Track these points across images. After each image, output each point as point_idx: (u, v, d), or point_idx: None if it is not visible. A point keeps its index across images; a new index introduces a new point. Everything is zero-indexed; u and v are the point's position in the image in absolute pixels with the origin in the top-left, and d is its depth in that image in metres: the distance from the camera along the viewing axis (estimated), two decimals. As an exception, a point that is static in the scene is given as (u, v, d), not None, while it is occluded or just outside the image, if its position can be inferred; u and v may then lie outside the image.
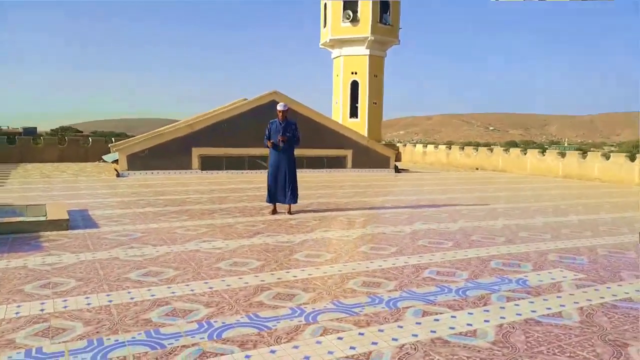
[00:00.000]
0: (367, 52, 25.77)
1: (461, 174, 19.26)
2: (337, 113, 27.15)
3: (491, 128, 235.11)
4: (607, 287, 4.54)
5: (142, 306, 3.72)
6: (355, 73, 26.32)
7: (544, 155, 19.38)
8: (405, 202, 10.47)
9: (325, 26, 26.90)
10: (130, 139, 17.57)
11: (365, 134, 25.83)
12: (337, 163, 17.92)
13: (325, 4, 26.79)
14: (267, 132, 8.37)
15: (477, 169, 22.09)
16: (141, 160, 14.67)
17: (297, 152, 16.73)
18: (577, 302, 4.09)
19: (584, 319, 3.70)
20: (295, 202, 8.37)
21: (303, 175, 16.11)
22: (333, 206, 9.42)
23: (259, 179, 13.53)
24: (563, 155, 18.56)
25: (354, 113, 26.65)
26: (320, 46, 27.78)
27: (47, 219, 6.49)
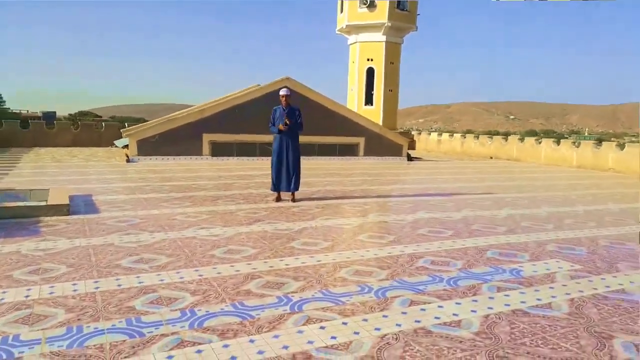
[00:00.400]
0: (384, 38, 25.46)
1: (474, 163, 19.01)
2: (353, 100, 26.96)
3: (512, 117, 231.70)
4: (602, 279, 4.45)
5: (128, 293, 3.73)
6: (371, 60, 26.04)
7: (558, 145, 19.00)
8: (413, 190, 10.36)
9: (342, 12, 26.61)
10: (142, 124, 17.68)
11: (381, 121, 25.63)
12: (349, 150, 17.81)
13: (343, -11, 26.43)
14: (271, 119, 8.31)
15: (491, 158, 21.79)
16: (151, 146, 14.75)
17: (309, 139, 16.90)
18: (568, 294, 4.01)
19: (573, 311, 3.62)
20: (297, 189, 8.33)
21: (314, 163, 16.15)
22: (339, 194, 9.36)
23: (269, 166, 13.46)
24: (577, 145, 18.18)
25: (369, 100, 26.44)
26: (337, 32, 27.52)
27: (48, 203, 6.56)
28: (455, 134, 25.45)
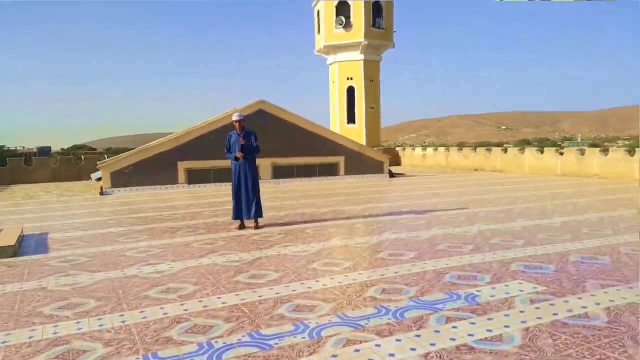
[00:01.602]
0: (362, 57, 25.52)
1: (457, 176, 18.77)
2: (335, 119, 26.88)
3: (503, 127, 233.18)
4: (565, 301, 4.11)
5: (35, 347, 3.39)
6: (351, 79, 26.04)
7: (542, 153, 18.80)
8: (385, 209, 10.06)
9: (319, 33, 26.70)
10: (117, 155, 17.39)
11: (364, 138, 25.51)
12: (329, 170, 17.55)
13: (318, 11, 26.60)
14: (227, 144, 8.05)
15: (475, 170, 21.58)
16: (125, 177, 14.45)
17: (287, 161, 16.68)
18: (524, 322, 3.67)
19: (526, 343, 3.28)
20: (260, 215, 8.02)
21: (292, 185, 15.88)
22: (308, 217, 9.06)
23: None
24: (561, 153, 17.98)
25: (351, 119, 26.36)
26: (315, 53, 27.58)
27: (-8, 246, 6.21)
28: (439, 148, 25.29)
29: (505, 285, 4.58)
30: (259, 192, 7.99)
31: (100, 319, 3.94)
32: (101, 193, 13.93)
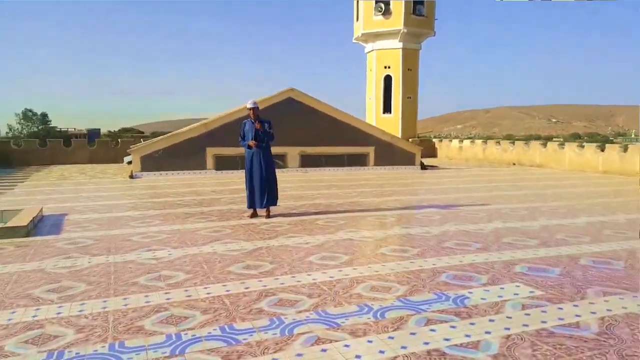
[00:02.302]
0: (400, 45, 24.97)
1: (492, 170, 18.14)
2: (371, 109, 26.51)
3: (554, 120, 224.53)
4: (559, 308, 3.84)
5: (10, 330, 3.45)
6: (389, 67, 25.56)
7: (582, 149, 17.88)
8: (406, 202, 9.80)
9: (357, 20, 26.30)
10: (150, 140, 17.77)
11: (399, 129, 25.06)
12: (358, 161, 17.32)
13: (358, -2, 26.12)
14: (241, 132, 8.00)
15: (513, 164, 20.80)
16: (155, 161, 14.74)
17: (315, 150, 16.57)
18: (508, 328, 3.44)
19: (501, 352, 3.07)
20: (274, 204, 7.96)
21: (320, 174, 15.76)
22: (323, 208, 8.93)
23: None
24: (603, 148, 17.03)
25: (387, 108, 25.93)
26: (354, 41, 27.21)
27: (5, 225, 6.43)
28: (476, 140, 24.51)
29: (501, 288, 4.34)
30: (274, 180, 7.93)
31: (83, 304, 3.97)
32: (131, 176, 14.28)
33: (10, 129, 51.04)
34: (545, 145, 19.98)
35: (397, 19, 24.63)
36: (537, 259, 5.35)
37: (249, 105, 7.79)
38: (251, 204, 7.95)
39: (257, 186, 7.81)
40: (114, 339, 3.31)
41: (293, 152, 16.27)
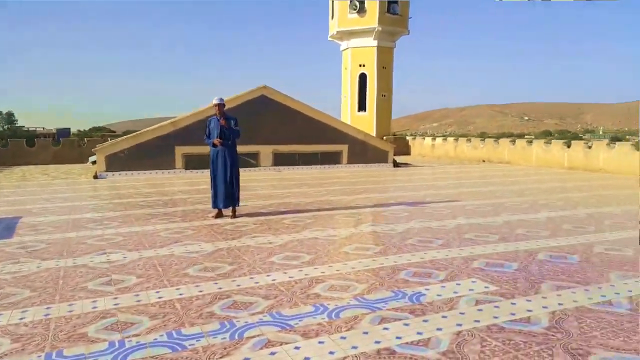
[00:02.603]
0: (375, 43, 24.97)
1: (462, 168, 18.31)
2: (346, 107, 26.47)
3: (526, 118, 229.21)
4: (512, 303, 3.83)
5: (-61, 340, 3.23)
6: (363, 65, 25.56)
7: (549, 145, 18.20)
8: (375, 200, 9.74)
9: (332, 18, 26.21)
10: (116, 139, 17.33)
11: (374, 127, 25.08)
12: (332, 159, 17.24)
13: (333, -5, 26.02)
14: (206, 130, 7.82)
15: (483, 161, 21.06)
16: (121, 161, 14.37)
17: (289, 148, 16.43)
18: (460, 324, 3.41)
19: (451, 349, 3.03)
20: (237, 204, 7.80)
21: (293, 172, 15.63)
22: (292, 207, 8.81)
23: (244, 178, 12.99)
24: (568, 145, 17.36)
25: (362, 106, 25.92)
26: (329, 39, 27.10)
27: (-49, 230, 6.12)
28: (448, 138, 24.74)
29: (457, 284, 4.31)
30: (238, 180, 7.76)
31: (24, 311, 3.77)
32: (95, 177, 13.88)
33: (-26, 130, 49.46)
34: (514, 142, 20.27)
35: (372, 17, 24.63)
36: (495, 254, 5.37)
37: (214, 101, 7.61)
38: (215, 204, 7.77)
39: (220, 185, 7.64)
40: (52, 347, 3.14)
41: (266, 151, 16.09)
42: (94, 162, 15.05)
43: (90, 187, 12.19)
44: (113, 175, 14.15)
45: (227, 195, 7.63)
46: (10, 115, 51.33)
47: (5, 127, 47.73)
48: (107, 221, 7.52)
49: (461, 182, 13.08)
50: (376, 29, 24.50)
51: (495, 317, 3.53)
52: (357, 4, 24.70)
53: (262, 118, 15.54)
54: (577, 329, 3.34)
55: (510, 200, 9.58)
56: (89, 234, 6.57)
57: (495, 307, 3.75)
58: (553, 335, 3.22)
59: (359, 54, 25.52)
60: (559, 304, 3.82)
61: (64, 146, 19.86)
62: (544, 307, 3.75)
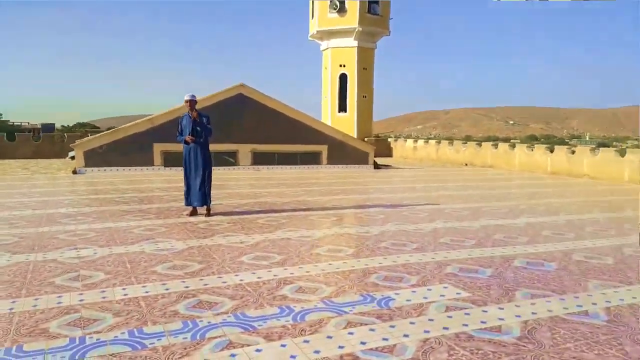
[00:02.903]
0: (356, 43, 25.06)
1: (443, 170, 18.47)
2: (326, 108, 26.52)
3: (511, 122, 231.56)
4: (483, 311, 3.85)
5: None
6: (344, 66, 25.63)
7: (532, 150, 18.45)
8: (351, 202, 9.80)
9: (312, 17, 26.23)
10: (94, 135, 17.16)
11: (355, 128, 25.17)
12: (311, 159, 17.28)
13: (313, -6, 26.06)
14: (179, 127, 7.80)
15: (466, 164, 21.25)
16: (99, 157, 14.23)
17: (268, 147, 16.42)
18: (427, 331, 3.43)
19: (416, 357, 3.04)
20: (209, 202, 7.75)
21: (271, 172, 15.62)
22: (267, 207, 8.82)
23: (222, 176, 13.01)
24: (552, 150, 17.61)
25: (342, 107, 25.99)
26: (309, 38, 27.12)
27: None
28: (430, 141, 24.95)
29: (428, 289, 4.34)
30: (210, 178, 7.74)
31: (-13, 306, 3.73)
32: (74, 172, 13.74)
33: (-44, 123, 48.23)
34: (496, 146, 20.51)
35: (352, 17, 24.70)
36: (470, 259, 5.40)
37: (186, 98, 7.59)
38: (188, 202, 7.75)
39: (193, 183, 7.63)
40: (12, 342, 3.12)
41: (244, 150, 16.06)
42: (72, 158, 14.89)
43: (69, 182, 12.06)
44: (92, 170, 14.01)
45: (198, 194, 7.61)
46: (-7, 110, 50.27)
47: (-11, 121, 46.70)
48: (81, 217, 7.45)
49: (441, 185, 13.20)
50: (357, 29, 24.57)
51: (465, 325, 3.53)
52: (338, 3, 24.75)
53: (240, 117, 15.51)
54: (550, 339, 3.31)
55: (490, 204, 9.69)
56: (61, 229, 6.52)
57: (466, 314, 3.76)
58: (524, 346, 3.20)
59: (340, 54, 25.59)
60: (533, 313, 3.80)
61: (45, 141, 19.63)
62: (516, 315, 3.74)
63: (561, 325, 3.57)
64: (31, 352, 3.00)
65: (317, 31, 25.31)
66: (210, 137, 7.75)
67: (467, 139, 35.41)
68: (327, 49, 25.88)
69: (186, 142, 7.58)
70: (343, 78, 25.47)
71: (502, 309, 3.91)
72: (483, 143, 21.66)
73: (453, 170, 18.52)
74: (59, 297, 3.96)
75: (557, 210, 9.14)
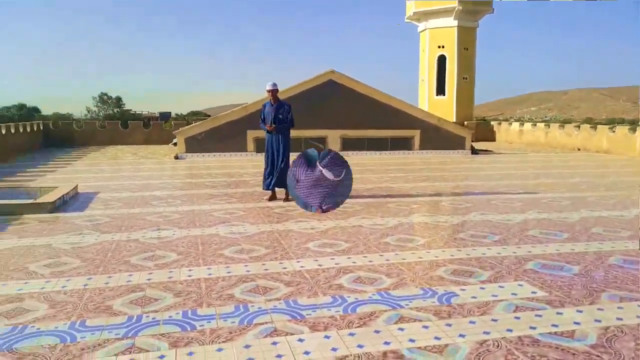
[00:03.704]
0: (455, 23, 23.80)
1: (551, 156, 17.00)
2: (423, 91, 25.64)
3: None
4: (558, 313, 3.45)
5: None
6: (443, 47, 24.51)
7: (655, 133, 16.31)
8: (435, 189, 9.32)
9: (410, -2, 25.34)
10: (195, 123, 18.17)
11: (454, 111, 24.07)
12: (402, 144, 16.82)
13: (410, -26, 25.13)
14: (261, 116, 7.94)
15: (578, 149, 19.38)
16: (198, 143, 15.08)
17: (357, 133, 16.28)
18: (487, 332, 3.13)
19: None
20: (284, 186, 7.82)
21: (361, 158, 15.46)
22: (349, 193, 8.69)
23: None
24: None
25: (441, 90, 24.94)
26: (406, 20, 26.29)
27: (33, 201, 6.78)
28: (538, 124, 23.09)
29: (499, 287, 3.98)
30: (288, 165, 7.81)
31: (68, 280, 4.09)
32: (176, 157, 14.71)
33: (88, 112, 54.04)
34: (613, 129, 18.44)
35: (451, -5, 23.44)
36: (556, 255, 4.88)
37: (268, 87, 7.69)
38: (267, 186, 7.92)
39: (271, 169, 7.79)
40: (78, 317, 3.36)
41: (334, 135, 16.06)
42: (175, 144, 15.94)
43: (170, 166, 12.94)
44: (192, 156, 14.90)
45: (277, 178, 7.74)
46: (119, 99, 55.82)
47: (116, 110, 51.88)
48: (172, 199, 7.93)
49: (544, 172, 12.15)
50: (456, 8, 23.24)
51: (532, 328, 3.18)
52: (435, -19, 23.58)
53: (330, 103, 15.49)
54: (632, 350, 2.87)
55: (596, 194, 8.72)
56: (151, 211, 6.98)
57: (537, 315, 3.39)
58: (598, 356, 2.82)
59: (438, 35, 24.45)
60: (617, 318, 3.35)
61: (154, 128, 21.27)
62: (596, 320, 3.31)
63: (645, 334, 3.09)
64: (92, 327, 3.21)
65: (414, 12, 24.45)
66: (291, 127, 7.83)
67: (587, 121, 32.19)
68: (424, 30, 24.93)
69: (268, 131, 7.71)
70: (442, 60, 24.39)
71: (581, 312, 3.48)
72: (599, 126, 19.59)
73: (562, 156, 16.99)
74: (130, 275, 4.22)
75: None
